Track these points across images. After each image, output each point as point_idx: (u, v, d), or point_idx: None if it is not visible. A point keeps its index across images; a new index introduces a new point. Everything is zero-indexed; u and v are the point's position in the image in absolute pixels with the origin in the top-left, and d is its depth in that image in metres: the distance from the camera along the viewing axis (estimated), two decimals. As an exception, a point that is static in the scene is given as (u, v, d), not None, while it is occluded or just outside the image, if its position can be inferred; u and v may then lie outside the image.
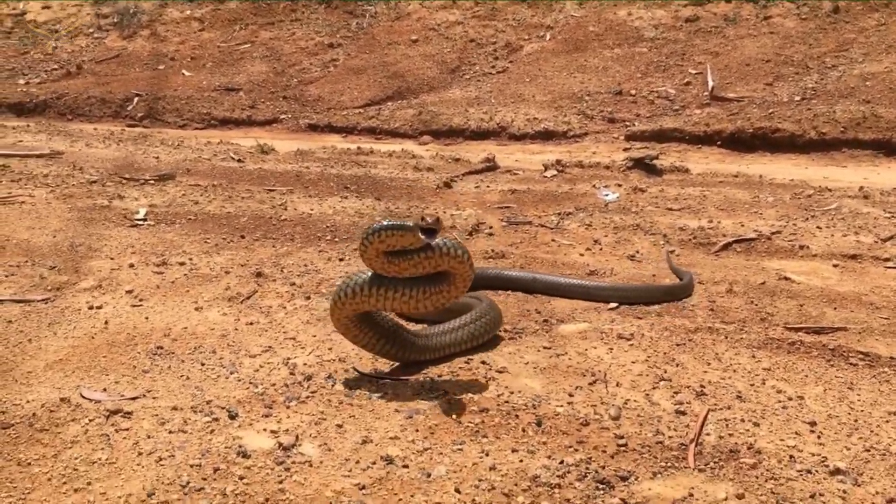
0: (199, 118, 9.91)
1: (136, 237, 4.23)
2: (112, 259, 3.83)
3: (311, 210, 4.95)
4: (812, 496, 1.81)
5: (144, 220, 4.60)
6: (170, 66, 11.72)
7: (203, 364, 2.62)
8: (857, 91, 8.19)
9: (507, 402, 2.32)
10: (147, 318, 3.05)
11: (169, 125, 9.76)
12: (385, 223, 2.25)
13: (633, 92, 9.17)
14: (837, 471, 1.91)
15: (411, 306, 2.37)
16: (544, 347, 2.79)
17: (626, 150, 7.66)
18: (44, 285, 3.42)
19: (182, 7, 13.13)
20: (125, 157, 6.71)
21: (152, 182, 5.67)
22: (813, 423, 2.18)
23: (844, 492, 1.84)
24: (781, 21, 9.92)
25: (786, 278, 3.67)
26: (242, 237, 4.31)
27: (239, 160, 6.82)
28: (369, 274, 2.38)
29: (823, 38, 9.48)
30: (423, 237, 2.20)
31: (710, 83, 8.90)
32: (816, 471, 1.93)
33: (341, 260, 3.91)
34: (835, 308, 3.27)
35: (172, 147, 7.48)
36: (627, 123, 8.54)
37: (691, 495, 1.83)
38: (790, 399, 2.35)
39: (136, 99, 10.35)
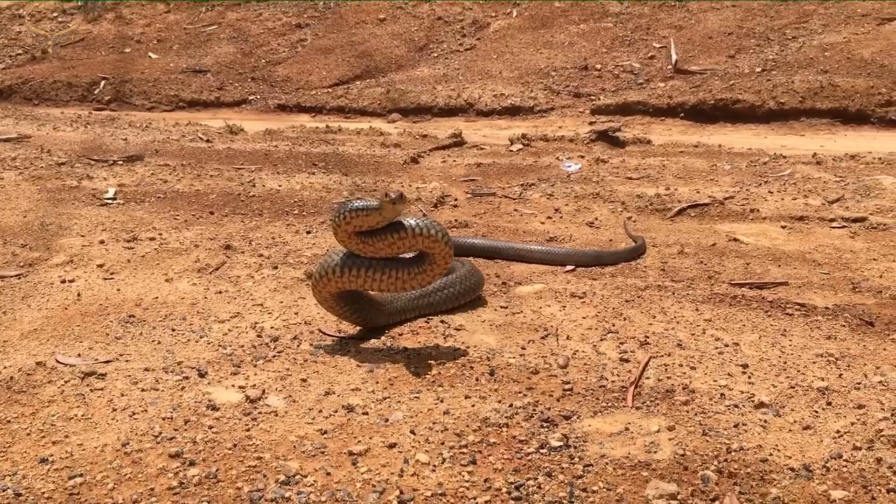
0: (167, 101, 9.91)
1: (105, 215, 4.31)
2: (83, 236, 3.91)
3: (280, 186, 5.04)
4: (736, 426, 1.98)
5: (114, 199, 4.67)
6: (136, 49, 11.67)
7: (174, 330, 2.73)
8: (816, 62, 8.39)
9: (463, 355, 2.47)
10: (118, 289, 3.15)
11: (136, 108, 9.75)
12: (351, 205, 2.30)
13: (598, 66, 9.31)
14: (762, 404, 2.08)
15: (398, 287, 2.45)
16: (501, 307, 2.94)
17: (591, 123, 7.81)
18: (16, 262, 3.50)
19: (147, -11, 13.05)
20: (93, 140, 6.73)
21: (121, 163, 5.72)
22: (745, 366, 2.35)
23: (766, 422, 2.00)
24: (743, -6, 10.09)
25: (735, 239, 3.84)
26: (211, 213, 4.40)
27: (208, 140, 6.87)
28: (355, 254, 2.42)
29: (784, 10, 9.67)
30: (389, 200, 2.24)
31: (674, 57, 9.06)
32: (743, 405, 2.09)
33: (308, 233, 4.02)
34: (779, 265, 3.44)
35: (140, 129, 7.51)
36: (593, 98, 8.68)
37: (627, 429, 1.99)
38: (727, 345, 2.51)
39: (102, 83, 10.31)
